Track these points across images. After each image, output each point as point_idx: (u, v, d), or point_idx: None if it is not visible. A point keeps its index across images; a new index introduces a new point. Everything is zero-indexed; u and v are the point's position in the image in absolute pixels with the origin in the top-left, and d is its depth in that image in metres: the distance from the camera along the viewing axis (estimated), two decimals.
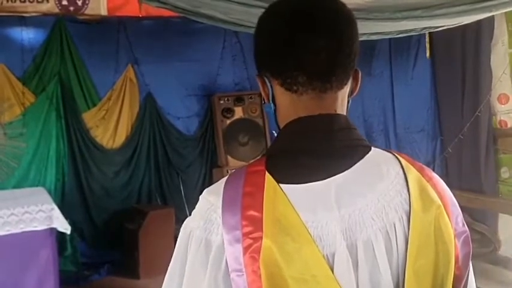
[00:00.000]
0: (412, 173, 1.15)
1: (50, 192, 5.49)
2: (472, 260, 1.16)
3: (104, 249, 6.19)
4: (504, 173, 6.66)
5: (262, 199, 1.05)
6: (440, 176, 1.20)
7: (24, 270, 4.61)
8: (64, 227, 4.82)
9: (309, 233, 1.04)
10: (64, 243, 5.37)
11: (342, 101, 1.19)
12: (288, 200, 1.06)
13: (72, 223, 5.00)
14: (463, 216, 1.16)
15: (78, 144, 6.20)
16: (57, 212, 4.77)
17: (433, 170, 1.21)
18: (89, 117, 6.29)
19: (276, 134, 1.22)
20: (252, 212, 1.04)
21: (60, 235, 5.06)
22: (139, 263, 5.64)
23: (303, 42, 1.12)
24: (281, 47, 1.14)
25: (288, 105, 1.17)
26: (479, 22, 5.62)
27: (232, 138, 6.64)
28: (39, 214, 4.70)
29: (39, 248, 4.71)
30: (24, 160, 5.99)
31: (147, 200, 6.56)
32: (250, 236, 1.02)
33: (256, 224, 1.03)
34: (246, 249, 1.01)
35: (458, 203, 1.18)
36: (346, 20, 1.17)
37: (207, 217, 1.10)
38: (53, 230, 4.78)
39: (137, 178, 6.55)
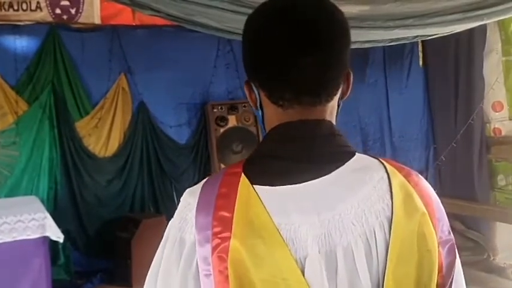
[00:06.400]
0: (397, 179, 1.13)
1: (42, 201, 5.46)
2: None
3: (96, 258, 6.17)
4: (501, 180, 6.67)
5: (235, 200, 1.05)
6: (434, 184, 1.19)
7: (16, 279, 4.59)
8: (57, 235, 4.80)
9: (281, 236, 1.03)
10: (57, 252, 5.36)
11: (331, 111, 1.18)
12: (261, 201, 1.06)
13: (64, 232, 4.98)
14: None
15: (70, 152, 6.17)
16: (50, 221, 4.75)
17: (426, 178, 1.19)
18: (82, 126, 6.27)
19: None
20: (223, 213, 1.04)
21: (53, 244, 5.04)
22: (131, 272, 5.62)
23: (291, 59, 1.09)
24: (267, 62, 1.12)
25: (274, 115, 1.16)
26: (471, 31, 5.65)
27: (226, 147, 6.64)
28: (32, 223, 4.68)
29: (32, 256, 4.69)
30: (17, 169, 5.96)
31: (140, 208, 6.54)
32: (218, 236, 1.02)
33: (226, 224, 1.03)
34: (214, 249, 1.02)
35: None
36: (338, 30, 1.14)
37: (183, 216, 1.11)
38: (45, 239, 4.77)
39: (130, 187, 6.52)
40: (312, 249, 1.04)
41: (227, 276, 1.00)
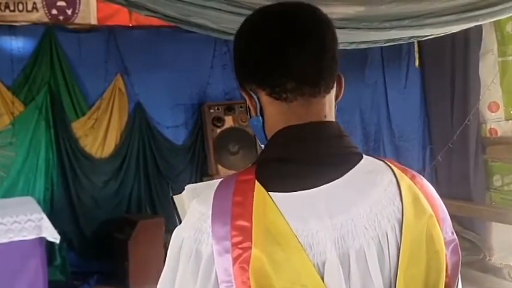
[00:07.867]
0: (405, 181, 1.15)
1: (38, 202, 5.46)
2: (461, 268, 1.16)
3: (93, 259, 6.16)
4: (497, 181, 6.68)
5: (251, 208, 1.04)
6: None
7: (13, 280, 4.58)
8: (53, 236, 4.80)
9: (299, 242, 1.03)
10: (53, 253, 5.35)
11: (329, 106, 1.19)
12: (278, 208, 1.05)
13: (61, 233, 4.97)
14: (453, 224, 1.16)
15: (67, 153, 6.17)
16: (46, 222, 4.75)
17: None
18: (78, 127, 6.26)
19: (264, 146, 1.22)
20: (241, 222, 1.03)
21: (49, 245, 5.03)
22: (128, 273, 5.60)
23: (290, 49, 1.13)
24: (266, 57, 1.14)
25: (277, 114, 1.17)
26: (467, 31, 5.66)
27: (223, 147, 6.64)
28: (28, 223, 4.68)
29: (28, 257, 4.68)
30: (13, 169, 5.95)
31: (137, 209, 6.53)
32: (239, 246, 1.01)
33: (246, 233, 1.02)
34: (235, 259, 1.00)
35: (448, 211, 1.18)
36: (325, 25, 1.19)
37: (198, 227, 1.09)
38: (42, 240, 4.76)
39: (126, 187, 6.52)
40: (331, 253, 1.05)
41: (250, 287, 0.99)
